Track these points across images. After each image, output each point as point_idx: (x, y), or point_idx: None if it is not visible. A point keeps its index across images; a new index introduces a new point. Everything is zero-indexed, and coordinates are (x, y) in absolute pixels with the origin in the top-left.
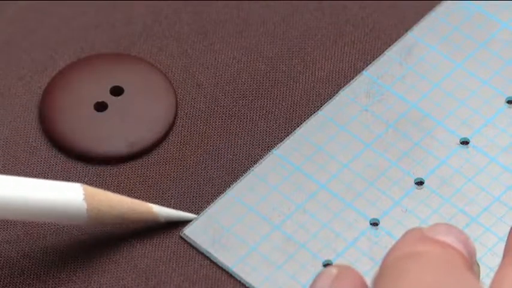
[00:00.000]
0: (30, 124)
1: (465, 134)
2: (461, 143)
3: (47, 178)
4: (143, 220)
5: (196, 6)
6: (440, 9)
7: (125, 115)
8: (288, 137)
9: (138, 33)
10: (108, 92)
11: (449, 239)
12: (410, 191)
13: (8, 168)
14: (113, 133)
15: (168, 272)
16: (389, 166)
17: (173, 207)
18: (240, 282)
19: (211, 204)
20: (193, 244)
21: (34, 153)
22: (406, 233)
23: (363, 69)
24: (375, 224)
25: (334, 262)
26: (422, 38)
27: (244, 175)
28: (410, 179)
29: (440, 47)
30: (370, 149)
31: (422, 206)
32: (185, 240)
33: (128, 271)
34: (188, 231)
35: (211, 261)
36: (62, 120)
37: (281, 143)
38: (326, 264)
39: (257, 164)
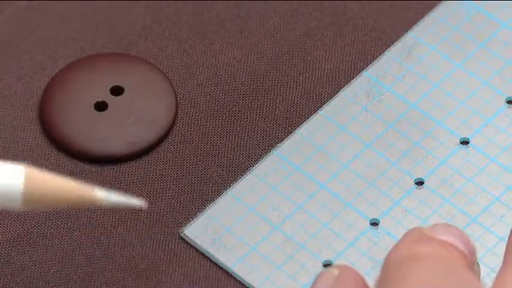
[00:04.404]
0: (30, 123)
1: (465, 134)
2: (461, 143)
3: None
4: (84, 203)
5: (196, 6)
6: (440, 9)
7: (125, 115)
8: (288, 137)
9: (138, 33)
10: (108, 92)
11: (450, 238)
12: (410, 191)
13: None
14: (113, 133)
15: (168, 272)
16: (389, 166)
17: (173, 207)
18: (240, 282)
19: (211, 204)
20: (193, 244)
21: (34, 152)
22: (406, 234)
23: (363, 69)
24: (375, 224)
25: (334, 262)
26: (422, 38)
27: (244, 175)
28: (411, 179)
29: (440, 47)
30: (370, 149)
31: (422, 206)
32: (185, 240)
33: (128, 271)
34: (188, 231)
35: (211, 261)
36: (62, 120)
37: (281, 143)
38: (326, 265)
39: (257, 164)
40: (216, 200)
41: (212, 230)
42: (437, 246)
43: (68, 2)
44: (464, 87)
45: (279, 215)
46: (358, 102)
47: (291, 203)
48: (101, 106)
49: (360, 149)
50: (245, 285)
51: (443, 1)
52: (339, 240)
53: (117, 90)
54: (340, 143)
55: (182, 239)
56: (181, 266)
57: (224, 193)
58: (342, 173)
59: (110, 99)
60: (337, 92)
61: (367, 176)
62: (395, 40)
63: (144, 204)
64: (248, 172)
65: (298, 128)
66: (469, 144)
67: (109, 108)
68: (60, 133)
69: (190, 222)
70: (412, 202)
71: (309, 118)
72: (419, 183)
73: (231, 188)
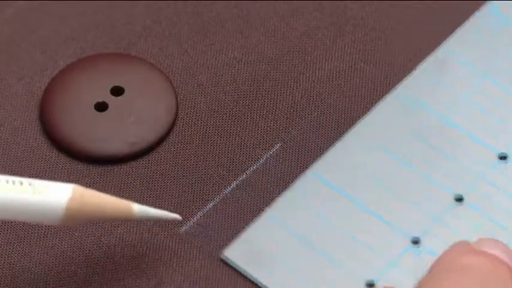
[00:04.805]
0: (30, 124)
1: (503, 149)
2: (499, 158)
3: (47, 178)
4: (121, 219)
5: (196, 6)
6: (470, 24)
7: (125, 115)
8: (321, 155)
9: (138, 33)
10: (109, 92)
11: (497, 252)
12: (450, 207)
13: (8, 168)
14: (113, 133)
15: (169, 272)
16: (427, 183)
17: (173, 207)
18: (240, 282)
19: (250, 225)
20: (233, 265)
21: (34, 153)
22: (453, 246)
23: (363, 69)
24: (415, 242)
25: (377, 282)
26: (454, 53)
27: (280, 195)
28: (450, 196)
29: (472, 61)
30: (407, 166)
31: (463, 223)
32: (186, 241)
33: (128, 271)
34: (227, 253)
35: (211, 261)
36: (62, 120)
37: (315, 162)
38: (369, 285)
39: (292, 184)
40: (254, 220)
41: (252, 251)
42: (484, 259)
43: (68, 2)
44: (499, 102)
45: (317, 236)
46: (392, 119)
47: (329, 223)
48: (101, 106)
49: (396, 166)
50: (242, 285)
51: (472, 16)
52: (380, 260)
53: (117, 91)
54: (376, 161)
55: (182, 238)
56: (182, 266)
57: (262, 214)
58: (379, 190)
59: (110, 100)
60: (337, 92)
61: (405, 194)
62: (396, 40)
63: (180, 218)
64: (284, 192)
65: (332, 146)
66: (507, 159)
67: (109, 108)
68: (60, 133)
69: (230, 244)
70: (452, 219)
71: (343, 134)
72: (459, 199)
73: (268, 208)
